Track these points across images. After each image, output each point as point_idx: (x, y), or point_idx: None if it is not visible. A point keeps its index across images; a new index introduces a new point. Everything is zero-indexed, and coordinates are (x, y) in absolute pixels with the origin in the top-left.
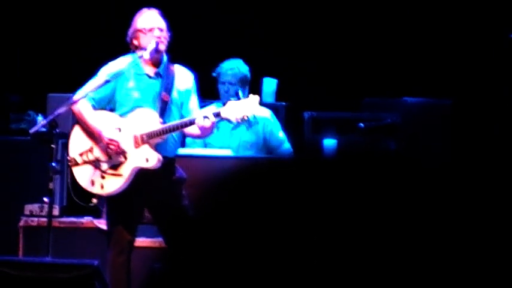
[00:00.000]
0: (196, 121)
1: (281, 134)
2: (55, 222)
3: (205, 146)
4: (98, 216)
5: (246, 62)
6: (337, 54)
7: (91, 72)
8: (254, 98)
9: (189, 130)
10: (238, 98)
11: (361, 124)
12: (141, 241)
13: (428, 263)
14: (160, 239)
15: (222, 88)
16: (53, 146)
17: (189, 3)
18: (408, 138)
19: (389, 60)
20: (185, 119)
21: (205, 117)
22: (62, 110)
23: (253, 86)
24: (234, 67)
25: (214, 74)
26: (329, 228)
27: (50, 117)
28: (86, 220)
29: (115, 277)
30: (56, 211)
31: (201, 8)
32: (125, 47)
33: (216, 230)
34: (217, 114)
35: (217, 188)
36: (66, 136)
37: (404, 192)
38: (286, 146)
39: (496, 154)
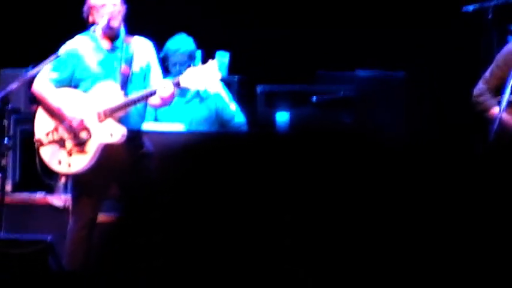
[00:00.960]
0: (157, 92)
1: (233, 107)
2: (7, 198)
3: (156, 120)
4: (50, 192)
5: (198, 35)
6: (289, 26)
7: (47, 47)
8: (212, 64)
9: (149, 100)
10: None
11: (314, 97)
12: (104, 216)
13: (385, 241)
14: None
15: (173, 69)
16: (4, 121)
17: None
18: (362, 111)
19: (342, 33)
20: (146, 91)
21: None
22: (14, 86)
23: (206, 60)
24: (179, 47)
25: (161, 55)
26: (283, 204)
27: (2, 93)
28: (39, 196)
29: (74, 251)
30: (8, 187)
31: None
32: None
33: (167, 206)
34: (177, 84)
35: (168, 163)
36: (18, 112)
37: (359, 167)
38: (239, 119)
39: (449, 128)
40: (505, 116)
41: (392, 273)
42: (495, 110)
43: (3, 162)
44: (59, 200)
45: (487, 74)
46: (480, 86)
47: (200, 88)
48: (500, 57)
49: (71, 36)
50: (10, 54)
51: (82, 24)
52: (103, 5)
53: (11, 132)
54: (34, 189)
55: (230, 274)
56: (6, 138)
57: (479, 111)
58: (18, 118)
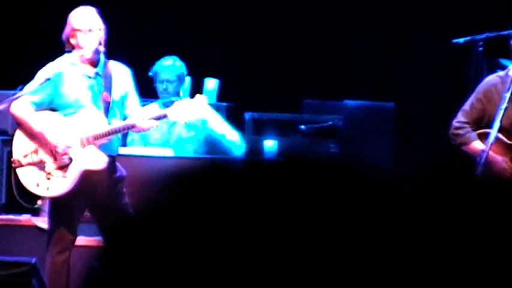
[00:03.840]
0: (137, 124)
1: (224, 128)
2: None
3: (145, 145)
4: (36, 214)
5: (187, 61)
6: (278, 55)
7: (31, 69)
8: (201, 98)
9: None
10: (179, 97)
11: (302, 126)
12: (79, 240)
13: (365, 265)
14: (98, 238)
15: (160, 86)
16: None
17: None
18: (350, 141)
19: (331, 62)
20: (126, 123)
21: (152, 118)
22: (1, 107)
23: (196, 87)
24: (171, 64)
25: (150, 74)
26: (268, 229)
27: None
28: (25, 218)
29: (55, 275)
30: None
31: (140, 5)
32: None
33: (153, 229)
34: (164, 116)
35: (155, 187)
36: (5, 133)
37: (344, 194)
38: (231, 135)
39: (438, 160)
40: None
41: None
42: (476, 144)
43: None
44: (44, 222)
45: (467, 107)
46: (460, 119)
47: (188, 121)
48: (480, 90)
49: (51, 59)
50: None
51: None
52: (90, 30)
53: None
54: (20, 212)
55: None
56: None
57: (458, 144)
58: (5, 140)
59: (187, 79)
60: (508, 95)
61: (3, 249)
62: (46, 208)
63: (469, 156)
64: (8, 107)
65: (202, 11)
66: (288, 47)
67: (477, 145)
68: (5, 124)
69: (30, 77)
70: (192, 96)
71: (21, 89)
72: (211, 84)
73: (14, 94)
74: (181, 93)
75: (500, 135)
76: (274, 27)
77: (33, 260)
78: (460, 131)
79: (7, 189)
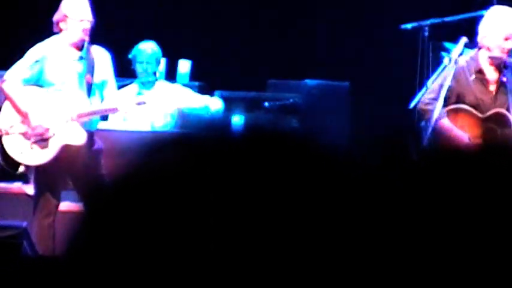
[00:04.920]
0: (119, 108)
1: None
2: None
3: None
4: (25, 181)
5: (162, 44)
6: (246, 38)
7: (19, 49)
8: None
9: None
10: (155, 77)
11: (266, 103)
12: (63, 205)
13: (333, 243)
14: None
15: (140, 67)
16: None
17: None
18: (309, 116)
19: (294, 45)
20: (108, 105)
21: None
22: None
23: (170, 68)
24: (150, 47)
25: (130, 56)
26: (234, 203)
27: None
28: (15, 185)
29: (42, 239)
30: None
31: None
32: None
33: (127, 196)
34: (143, 103)
35: (131, 160)
36: None
37: (305, 166)
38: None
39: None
40: (447, 122)
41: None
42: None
43: None
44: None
45: (435, 86)
46: (429, 96)
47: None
48: (449, 71)
49: (40, 38)
50: None
51: (50, 27)
52: (81, 20)
53: None
54: (10, 179)
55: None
56: None
57: (426, 118)
58: None
59: (163, 61)
60: (471, 77)
61: None
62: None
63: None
64: None
65: None
66: (255, 31)
67: (445, 121)
68: None
69: (17, 57)
70: (167, 76)
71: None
72: (184, 65)
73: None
74: (157, 73)
75: (473, 110)
76: (244, 13)
77: (24, 224)
78: (429, 107)
79: None
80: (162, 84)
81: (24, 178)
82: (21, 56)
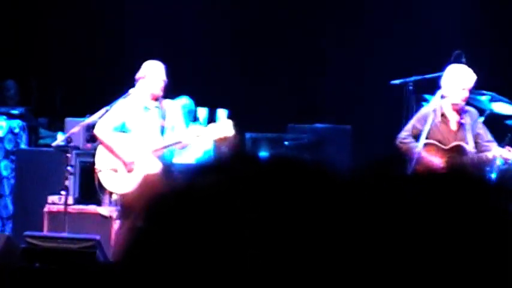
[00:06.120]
0: (182, 141)
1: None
2: (69, 209)
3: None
4: (99, 204)
5: (203, 95)
6: (269, 92)
7: (98, 101)
8: (227, 122)
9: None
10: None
11: (286, 142)
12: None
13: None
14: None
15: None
16: (68, 155)
17: None
18: (319, 152)
19: (306, 96)
20: (174, 140)
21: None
22: (75, 129)
23: (211, 115)
24: (183, 102)
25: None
26: (267, 229)
27: (67, 134)
28: (91, 207)
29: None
30: (70, 201)
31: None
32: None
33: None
34: (197, 136)
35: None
36: (78, 148)
37: (318, 194)
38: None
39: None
40: (424, 153)
41: None
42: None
43: (67, 183)
44: (106, 210)
45: (409, 126)
46: (404, 134)
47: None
48: (416, 116)
49: (120, 92)
50: (71, 107)
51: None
52: (159, 80)
53: (73, 162)
54: (88, 203)
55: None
56: (69, 166)
57: (404, 149)
58: (78, 152)
59: (204, 110)
60: (434, 121)
61: (76, 229)
62: (106, 200)
63: (406, 159)
64: (80, 129)
65: (212, 58)
66: (275, 88)
67: (422, 152)
68: (78, 141)
69: (94, 106)
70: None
71: (88, 117)
72: (222, 114)
73: (83, 120)
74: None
75: (439, 144)
76: (267, 68)
77: (98, 237)
78: (406, 141)
79: (79, 187)
80: None
81: (97, 202)
82: (103, 106)
